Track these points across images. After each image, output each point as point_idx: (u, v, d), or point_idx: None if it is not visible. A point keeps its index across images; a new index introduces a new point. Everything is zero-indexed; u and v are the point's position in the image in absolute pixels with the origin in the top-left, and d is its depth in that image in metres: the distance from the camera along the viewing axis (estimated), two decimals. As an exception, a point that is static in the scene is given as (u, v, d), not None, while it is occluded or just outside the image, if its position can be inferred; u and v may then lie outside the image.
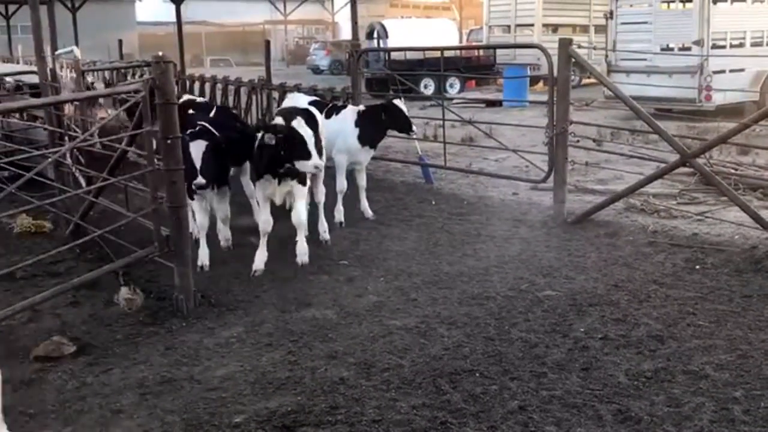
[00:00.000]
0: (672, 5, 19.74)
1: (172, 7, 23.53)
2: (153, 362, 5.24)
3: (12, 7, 32.03)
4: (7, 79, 11.04)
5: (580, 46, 9.84)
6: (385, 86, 21.03)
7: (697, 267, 6.87)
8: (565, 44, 8.22)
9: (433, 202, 9.67)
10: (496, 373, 4.87)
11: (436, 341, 5.41)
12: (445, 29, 31.40)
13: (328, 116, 8.54)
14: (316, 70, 42.51)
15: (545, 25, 28.57)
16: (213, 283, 6.77)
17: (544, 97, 9.04)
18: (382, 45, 28.78)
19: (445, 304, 6.18)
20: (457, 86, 27.77)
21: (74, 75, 9.92)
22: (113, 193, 8.00)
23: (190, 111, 8.03)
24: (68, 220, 8.11)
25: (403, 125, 8.77)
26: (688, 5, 18.65)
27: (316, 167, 6.84)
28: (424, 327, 5.68)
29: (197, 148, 6.66)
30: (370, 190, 9.17)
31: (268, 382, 4.87)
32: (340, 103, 9.60)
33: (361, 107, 9.07)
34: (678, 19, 18.78)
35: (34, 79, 10.08)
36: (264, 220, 7.10)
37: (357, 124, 8.59)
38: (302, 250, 7.22)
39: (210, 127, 6.97)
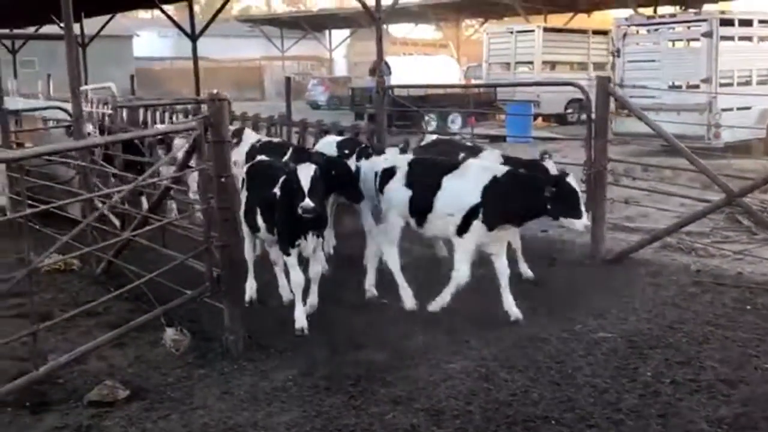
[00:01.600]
0: (678, 44, 19.94)
1: (166, 42, 23.57)
2: (211, 407, 5.08)
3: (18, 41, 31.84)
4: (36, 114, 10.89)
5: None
6: (389, 122, 21.02)
7: (748, 307, 6.78)
8: (603, 82, 8.21)
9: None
10: (572, 421, 4.73)
11: (500, 386, 5.26)
12: (445, 66, 31.59)
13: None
14: (315, 106, 42.51)
15: (544, 62, 28.85)
16: (255, 324, 6.60)
17: (549, 134, 8.96)
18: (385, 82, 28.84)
19: (498, 345, 6.04)
20: (459, 122, 27.82)
21: (107, 111, 9.82)
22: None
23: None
24: (99, 258, 7.95)
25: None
26: (694, 44, 18.82)
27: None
28: (483, 371, 5.53)
29: (305, 172, 6.15)
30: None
31: (336, 429, 4.73)
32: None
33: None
34: (685, 57, 18.98)
35: (58, 114, 9.98)
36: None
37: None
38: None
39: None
